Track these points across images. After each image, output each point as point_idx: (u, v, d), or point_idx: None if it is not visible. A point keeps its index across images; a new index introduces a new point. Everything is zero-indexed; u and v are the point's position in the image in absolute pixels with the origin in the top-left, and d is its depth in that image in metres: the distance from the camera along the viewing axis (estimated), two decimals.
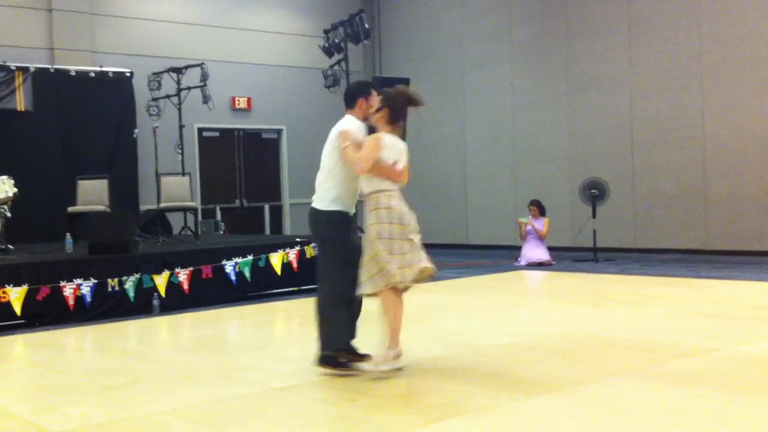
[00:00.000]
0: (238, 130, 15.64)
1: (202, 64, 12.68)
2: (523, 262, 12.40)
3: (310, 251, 9.94)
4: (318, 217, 5.45)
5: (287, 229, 16.04)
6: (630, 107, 13.45)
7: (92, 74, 13.39)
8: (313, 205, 5.50)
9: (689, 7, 12.70)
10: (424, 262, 5.34)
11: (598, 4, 13.86)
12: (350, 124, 5.44)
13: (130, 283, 8.82)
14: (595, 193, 12.55)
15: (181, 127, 12.81)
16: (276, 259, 9.82)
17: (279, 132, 15.94)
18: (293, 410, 4.60)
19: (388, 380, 5.17)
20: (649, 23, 13.18)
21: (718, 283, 9.42)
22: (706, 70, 12.56)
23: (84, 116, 13.21)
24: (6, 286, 8.12)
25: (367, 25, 11.84)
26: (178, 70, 12.75)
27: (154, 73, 12.86)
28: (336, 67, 12.25)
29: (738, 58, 12.21)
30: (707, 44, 12.53)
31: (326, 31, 12.41)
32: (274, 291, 9.74)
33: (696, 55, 12.65)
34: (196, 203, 13.84)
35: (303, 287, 9.67)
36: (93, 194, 11.54)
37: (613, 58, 13.63)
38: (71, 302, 8.42)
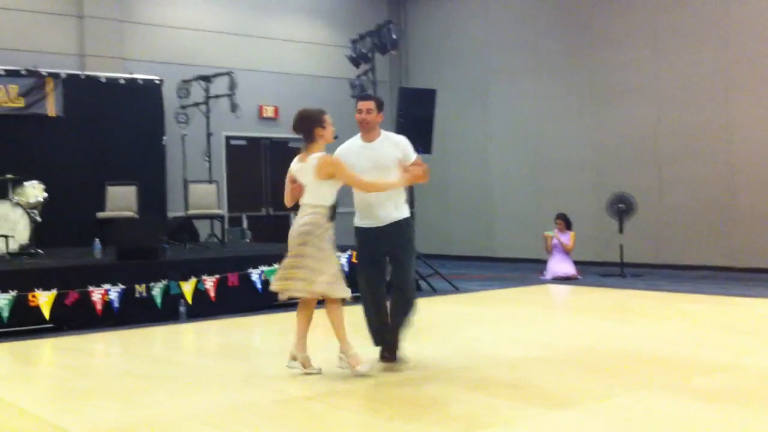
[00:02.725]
0: (265, 138, 15.72)
1: (231, 72, 12.77)
2: (548, 276, 12.34)
3: None
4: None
5: None
6: (655, 119, 13.37)
7: (122, 81, 13.51)
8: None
9: (715, 20, 12.63)
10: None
11: (623, 15, 13.81)
12: None
13: (157, 290, 8.89)
14: (622, 207, 12.47)
15: (208, 134, 12.90)
16: None
17: None
18: (315, 418, 4.62)
19: (411, 390, 5.18)
20: (674, 35, 13.10)
21: (745, 300, 9.33)
22: (732, 82, 12.46)
23: (113, 123, 13.31)
24: (35, 290, 8.21)
25: (394, 36, 11.86)
26: (207, 79, 12.85)
27: (183, 81, 12.97)
28: (363, 77, 12.28)
29: (764, 71, 12.09)
30: (733, 57, 12.44)
31: (354, 41, 12.44)
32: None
33: (722, 67, 12.56)
34: (223, 211, 13.90)
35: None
36: (122, 200, 11.65)
37: (638, 69, 13.57)
38: (99, 307, 8.49)
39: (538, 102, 15.13)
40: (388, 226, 5.85)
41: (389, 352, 5.94)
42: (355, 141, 6.05)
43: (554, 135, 14.82)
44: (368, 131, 5.99)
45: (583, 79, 14.39)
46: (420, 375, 5.64)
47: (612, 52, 13.93)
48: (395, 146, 5.95)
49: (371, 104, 6.01)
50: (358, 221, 5.98)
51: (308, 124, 5.79)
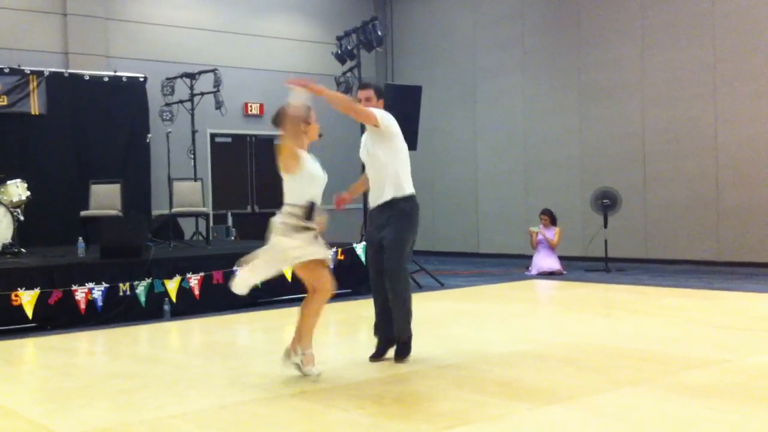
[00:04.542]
0: (251, 135, 15.68)
1: (216, 69, 12.72)
2: (533, 271, 12.37)
3: None
4: None
5: None
6: (642, 117, 13.42)
7: (106, 79, 13.46)
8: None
9: (703, 17, 12.67)
10: None
11: (611, 13, 13.84)
12: None
13: (141, 288, 8.84)
14: (606, 202, 12.52)
15: (193, 132, 12.84)
16: None
17: None
18: (303, 416, 4.60)
19: (399, 387, 5.17)
20: (662, 32, 13.15)
21: (730, 295, 9.38)
22: (719, 80, 12.52)
23: (97, 120, 13.27)
24: (18, 289, 8.15)
25: (380, 33, 11.83)
26: (192, 76, 12.80)
27: (168, 79, 12.93)
28: (348, 74, 12.25)
29: (751, 69, 12.16)
30: (720, 54, 12.49)
31: (339, 38, 12.41)
32: (285, 297, 9.74)
33: (709, 65, 12.61)
34: (208, 209, 13.86)
35: None
36: (106, 198, 11.59)
37: (625, 67, 13.61)
38: (83, 306, 8.44)
39: (526, 99, 15.14)
40: (379, 207, 5.86)
41: (379, 346, 5.98)
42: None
43: (542, 132, 14.85)
44: None
45: (570, 77, 14.41)
46: (407, 371, 5.63)
47: (599, 50, 13.96)
48: None
49: (370, 92, 5.99)
50: None
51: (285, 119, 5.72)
